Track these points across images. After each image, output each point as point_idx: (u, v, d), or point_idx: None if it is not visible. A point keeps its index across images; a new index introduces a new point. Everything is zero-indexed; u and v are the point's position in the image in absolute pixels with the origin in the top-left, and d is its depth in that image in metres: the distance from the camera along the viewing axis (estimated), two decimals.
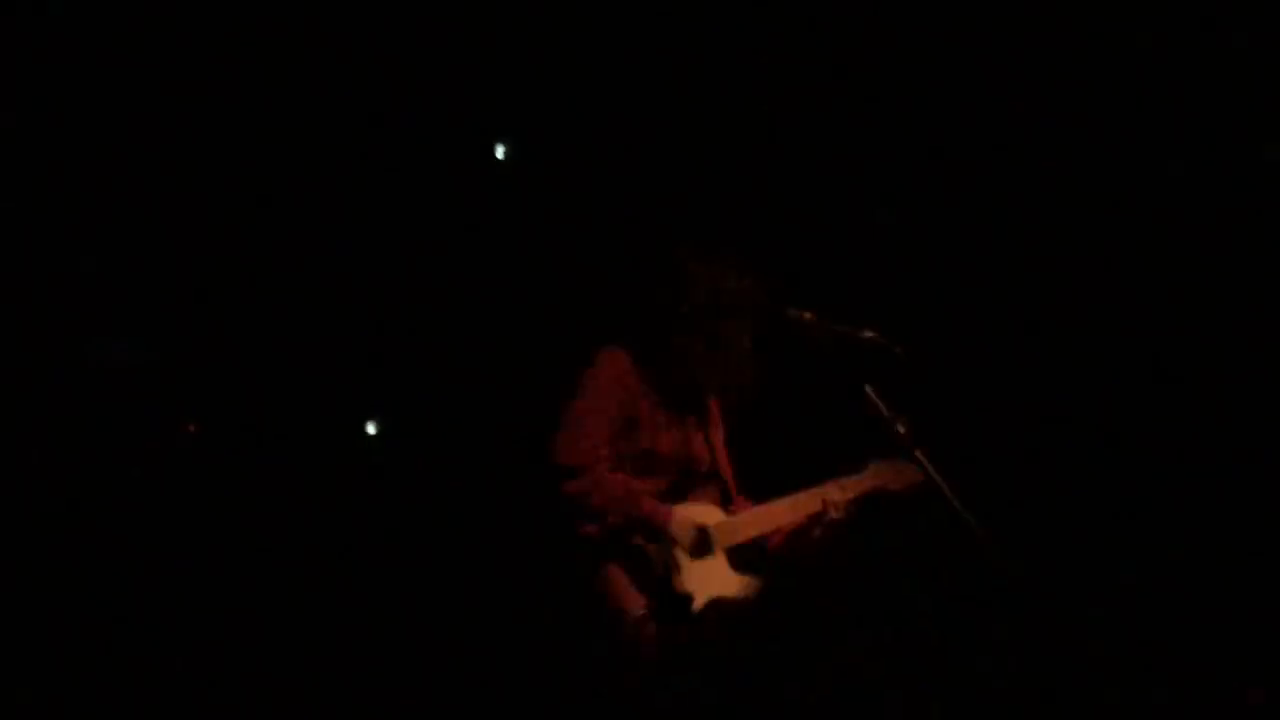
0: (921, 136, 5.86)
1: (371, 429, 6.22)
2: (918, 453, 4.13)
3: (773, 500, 4.42)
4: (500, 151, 6.14)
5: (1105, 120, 5.70)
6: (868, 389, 4.15)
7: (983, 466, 4.40)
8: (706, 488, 4.46)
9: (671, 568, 4.23)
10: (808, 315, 4.32)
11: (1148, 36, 5.59)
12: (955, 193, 5.83)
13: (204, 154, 5.82)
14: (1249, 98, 5.49)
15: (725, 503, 4.48)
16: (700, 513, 4.38)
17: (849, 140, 5.90)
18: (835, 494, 4.38)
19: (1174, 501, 5.50)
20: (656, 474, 4.38)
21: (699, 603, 4.23)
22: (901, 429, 4.11)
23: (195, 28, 5.69)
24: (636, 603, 4.17)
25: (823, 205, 5.77)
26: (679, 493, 4.40)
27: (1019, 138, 5.76)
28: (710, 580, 4.28)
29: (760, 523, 4.39)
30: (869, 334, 4.19)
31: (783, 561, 4.42)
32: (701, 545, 4.30)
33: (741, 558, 4.38)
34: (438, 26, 5.97)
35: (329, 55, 5.87)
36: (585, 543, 4.24)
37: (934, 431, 4.21)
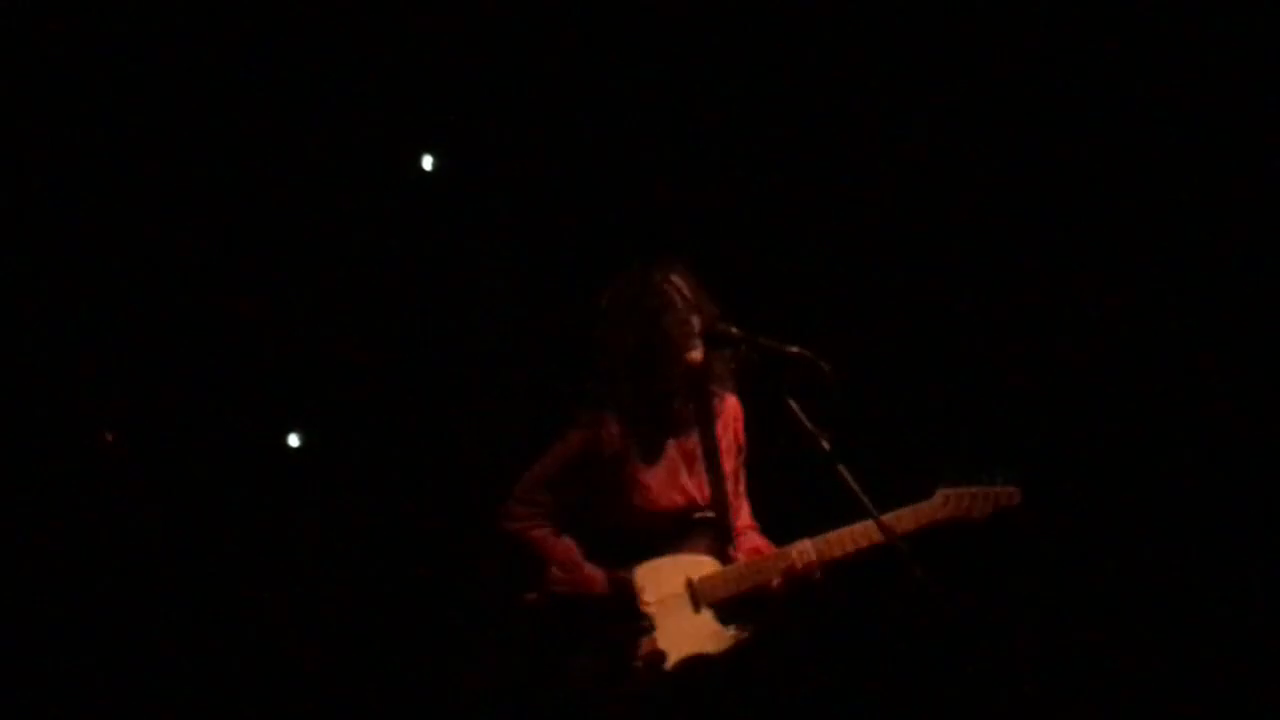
0: (847, 147, 5.85)
1: (294, 441, 6.14)
2: (840, 468, 4.12)
3: (760, 556, 4.38)
4: (428, 163, 6.08)
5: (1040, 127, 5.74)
6: (791, 404, 4.13)
7: (909, 483, 4.38)
8: (704, 535, 4.39)
9: (643, 628, 4.22)
10: (734, 330, 4.30)
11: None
12: (883, 203, 5.83)
13: (125, 158, 5.75)
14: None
15: (724, 549, 4.41)
16: (690, 565, 4.34)
17: (770, 149, 5.89)
18: (810, 553, 4.30)
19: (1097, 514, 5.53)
20: (650, 526, 4.34)
21: (671, 661, 4.21)
22: (825, 444, 4.08)
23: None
24: (584, 672, 4.19)
25: (744, 217, 5.75)
26: (675, 542, 4.35)
27: (949, 145, 5.78)
28: (689, 637, 4.26)
29: (742, 580, 4.33)
30: (794, 349, 4.17)
31: (762, 619, 4.36)
32: (686, 601, 4.30)
33: (729, 612, 4.32)
34: (365, 34, 5.93)
35: (252, 60, 5.81)
36: (528, 611, 4.29)
37: (858, 448, 4.19)
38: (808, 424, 4.10)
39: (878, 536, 4.24)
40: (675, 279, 4.36)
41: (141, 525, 5.78)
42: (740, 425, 4.54)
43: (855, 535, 4.29)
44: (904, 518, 4.33)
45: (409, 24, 5.95)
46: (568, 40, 5.99)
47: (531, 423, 4.62)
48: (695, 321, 4.31)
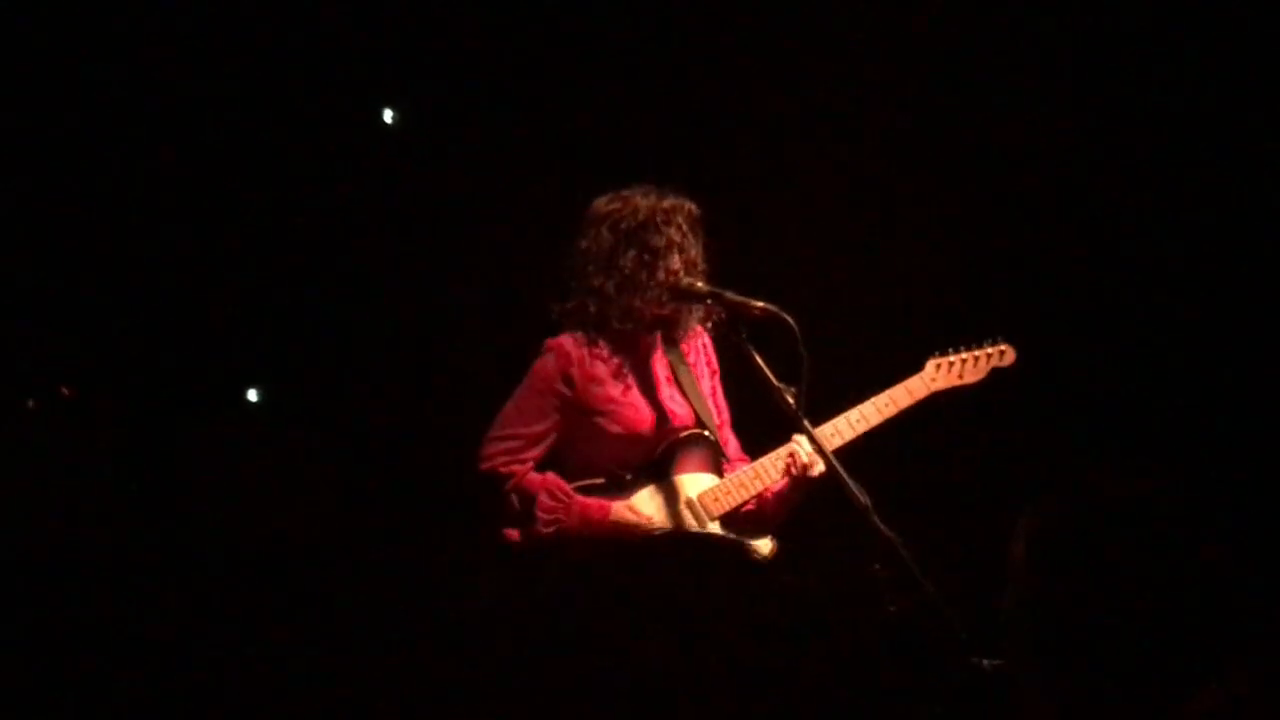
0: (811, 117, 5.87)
1: (253, 396, 6.12)
2: (805, 422, 4.15)
3: (755, 461, 4.35)
4: (389, 116, 6.04)
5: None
6: (756, 358, 4.16)
7: (870, 439, 4.42)
8: (694, 454, 4.34)
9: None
10: (700, 285, 4.31)
11: None
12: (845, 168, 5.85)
13: (78, 121, 5.69)
14: None
15: (719, 465, 4.37)
16: (687, 484, 4.30)
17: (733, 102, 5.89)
18: (808, 444, 4.24)
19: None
20: (631, 453, 4.29)
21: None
22: (790, 399, 4.12)
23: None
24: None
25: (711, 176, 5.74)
26: (665, 465, 4.31)
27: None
28: None
29: (745, 486, 4.30)
30: (760, 304, 4.19)
31: (766, 522, 4.34)
32: (690, 521, 4.27)
33: (736, 526, 4.31)
34: None
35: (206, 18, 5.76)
36: (511, 550, 4.16)
37: (824, 404, 4.23)
38: (774, 379, 4.14)
39: (875, 420, 4.31)
40: (684, 224, 4.32)
41: (101, 477, 5.75)
42: (710, 349, 4.51)
43: (851, 422, 4.32)
44: (898, 395, 4.39)
45: None
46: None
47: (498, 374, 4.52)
48: (682, 272, 4.28)
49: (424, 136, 6.03)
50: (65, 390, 5.76)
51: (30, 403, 5.70)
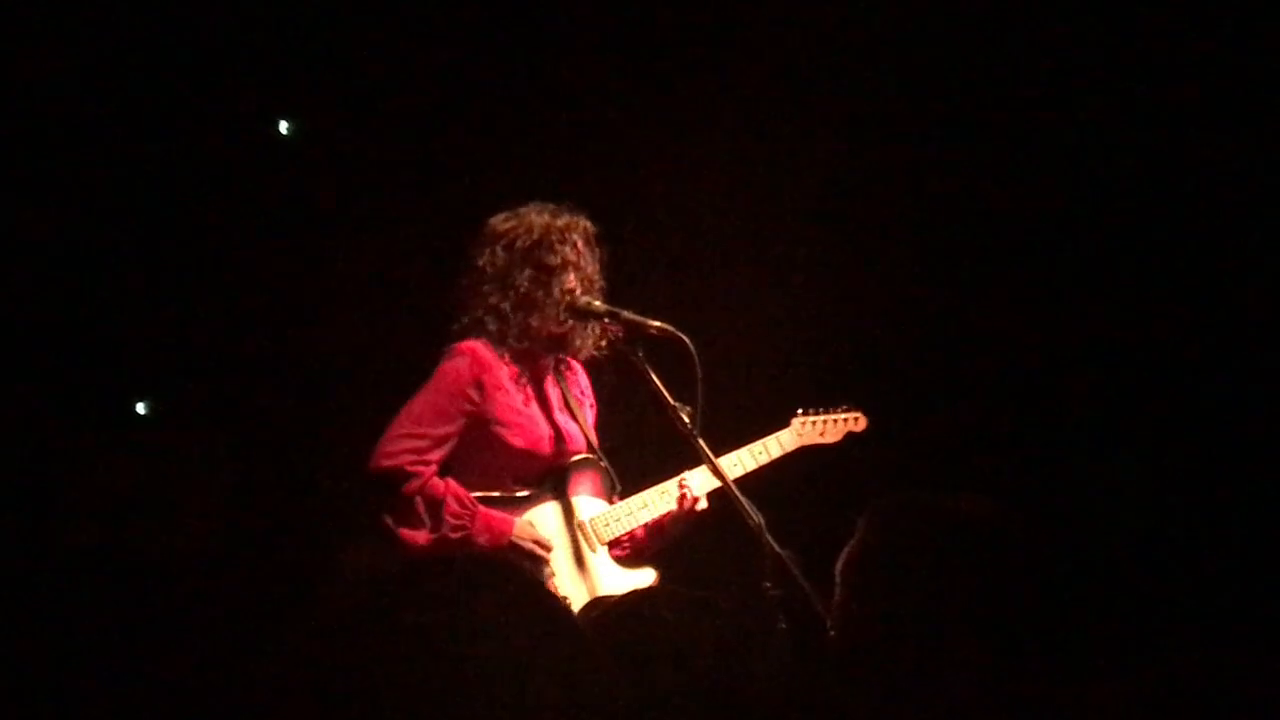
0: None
1: (142, 409, 6.04)
2: (700, 442, 4.19)
3: (646, 489, 4.41)
4: (284, 128, 6.00)
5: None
6: (653, 378, 4.19)
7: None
8: (587, 478, 4.39)
9: (541, 574, 4.15)
10: (598, 304, 4.34)
11: None
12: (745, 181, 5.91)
13: None
14: None
15: (611, 491, 4.43)
16: (578, 507, 4.34)
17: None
18: (695, 483, 4.37)
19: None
20: (527, 469, 4.31)
21: (578, 604, 4.19)
22: (685, 418, 4.15)
23: None
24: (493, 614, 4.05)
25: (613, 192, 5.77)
26: (559, 486, 4.34)
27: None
28: (591, 579, 4.29)
29: (633, 515, 4.37)
30: (657, 324, 4.22)
31: (643, 553, 4.43)
32: (580, 542, 4.30)
33: (623, 551, 4.39)
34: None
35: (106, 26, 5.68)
36: (417, 553, 4.10)
37: (721, 424, 4.27)
38: (669, 398, 4.17)
39: (750, 466, 4.43)
40: (579, 242, 4.34)
41: None
42: (588, 384, 4.55)
43: (729, 465, 4.38)
44: (770, 446, 4.55)
45: None
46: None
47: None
48: (578, 290, 4.31)
49: (318, 147, 5.99)
50: None
51: None
